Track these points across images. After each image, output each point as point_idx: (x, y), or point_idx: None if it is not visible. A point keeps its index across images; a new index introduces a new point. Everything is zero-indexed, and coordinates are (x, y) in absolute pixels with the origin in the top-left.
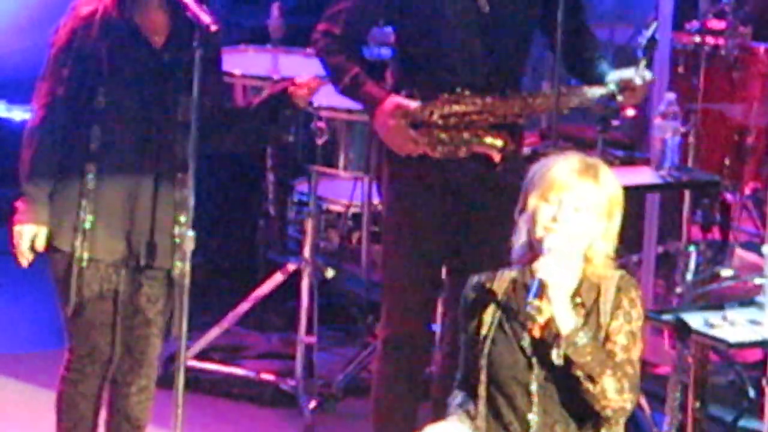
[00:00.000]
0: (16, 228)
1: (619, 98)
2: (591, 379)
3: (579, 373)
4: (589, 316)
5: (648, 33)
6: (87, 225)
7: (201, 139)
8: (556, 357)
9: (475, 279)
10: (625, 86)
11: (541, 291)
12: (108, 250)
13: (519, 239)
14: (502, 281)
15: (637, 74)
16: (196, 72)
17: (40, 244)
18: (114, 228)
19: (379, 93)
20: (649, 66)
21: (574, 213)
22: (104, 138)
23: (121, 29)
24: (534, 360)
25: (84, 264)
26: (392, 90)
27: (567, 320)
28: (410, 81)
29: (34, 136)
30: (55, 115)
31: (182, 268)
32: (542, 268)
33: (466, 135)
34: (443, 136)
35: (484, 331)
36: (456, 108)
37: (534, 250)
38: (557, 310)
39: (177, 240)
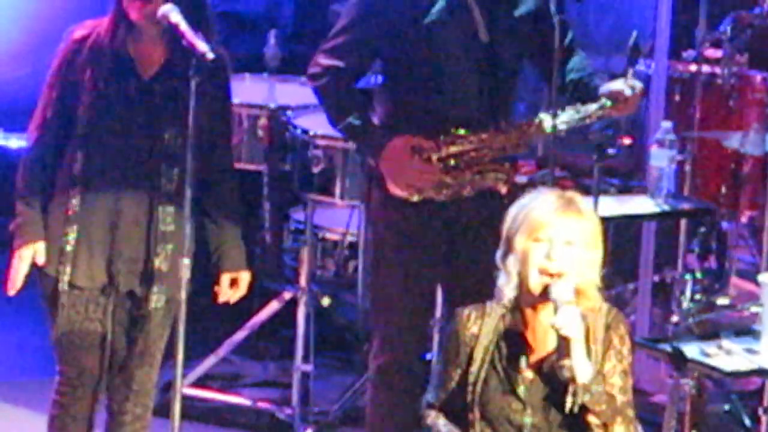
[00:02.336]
0: (17, 253)
1: (613, 112)
2: (605, 426)
3: (593, 420)
4: None
5: (630, 42)
6: (69, 249)
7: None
8: (570, 404)
9: (465, 312)
10: (616, 98)
11: (567, 348)
12: (89, 277)
13: (507, 282)
14: (492, 317)
15: (626, 84)
16: (191, 101)
17: (41, 259)
18: (95, 256)
19: (385, 135)
20: (635, 74)
21: (567, 247)
22: (87, 164)
23: (110, 58)
24: (528, 401)
25: (65, 287)
26: (381, 122)
27: (585, 369)
28: (402, 113)
29: (26, 157)
30: (44, 137)
31: (158, 300)
32: (563, 325)
33: (469, 174)
34: (446, 178)
35: (475, 368)
36: (455, 149)
37: (525, 291)
38: (576, 361)
39: (156, 273)
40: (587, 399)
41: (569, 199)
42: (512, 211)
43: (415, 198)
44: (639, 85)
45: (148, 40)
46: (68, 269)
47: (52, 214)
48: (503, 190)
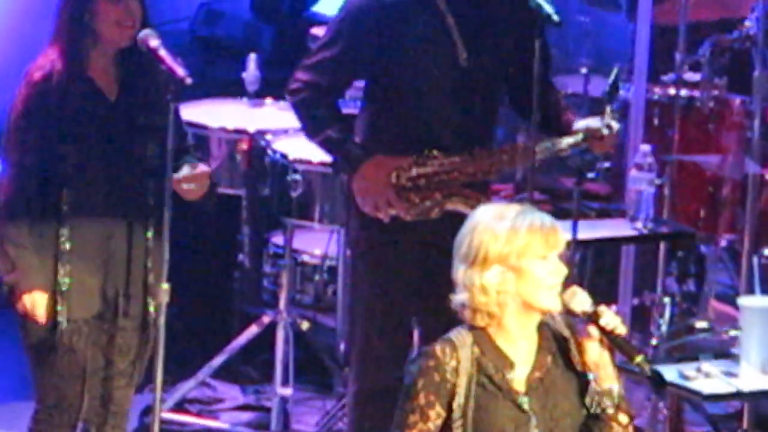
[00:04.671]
0: (26, 297)
1: (587, 146)
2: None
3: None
4: (557, 358)
5: (610, 79)
6: (64, 288)
7: None
8: (595, 408)
9: (437, 348)
10: (592, 135)
11: (628, 345)
12: (84, 308)
13: (506, 303)
14: (465, 346)
15: (603, 123)
16: (170, 125)
17: (40, 310)
18: (90, 285)
19: (363, 153)
20: (613, 112)
21: (559, 260)
22: (75, 199)
23: (78, 89)
24: (531, 412)
25: (65, 325)
26: (362, 144)
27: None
28: (380, 133)
29: (13, 208)
30: (27, 184)
31: (157, 308)
32: (615, 324)
33: (437, 196)
34: (414, 198)
35: (461, 400)
36: (425, 170)
37: (522, 308)
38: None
39: (150, 288)
40: (608, 403)
41: (533, 209)
42: (499, 232)
43: (382, 216)
44: (616, 125)
45: (105, 62)
46: (65, 309)
47: (40, 255)
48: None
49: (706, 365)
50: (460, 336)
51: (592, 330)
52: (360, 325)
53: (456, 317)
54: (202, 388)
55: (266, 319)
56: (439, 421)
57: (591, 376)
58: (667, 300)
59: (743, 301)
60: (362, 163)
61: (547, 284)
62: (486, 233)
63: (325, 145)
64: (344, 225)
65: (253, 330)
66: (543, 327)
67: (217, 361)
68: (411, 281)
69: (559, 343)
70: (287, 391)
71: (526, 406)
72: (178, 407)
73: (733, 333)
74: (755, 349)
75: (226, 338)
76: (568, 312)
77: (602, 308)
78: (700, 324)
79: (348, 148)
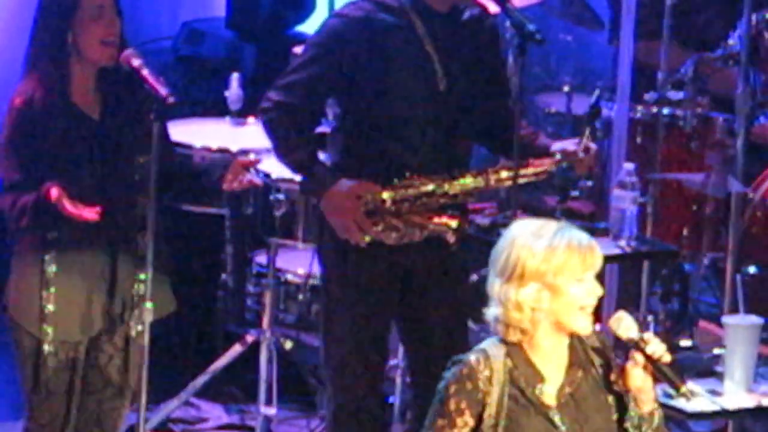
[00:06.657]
0: (53, 193)
1: (570, 165)
2: None
3: None
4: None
5: (592, 100)
6: (50, 310)
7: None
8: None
9: (472, 358)
10: (569, 157)
11: (676, 373)
12: (80, 330)
13: (538, 320)
14: (497, 358)
15: (581, 146)
16: (154, 145)
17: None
18: (85, 306)
19: (331, 176)
20: (593, 134)
21: (594, 281)
22: (60, 223)
23: (60, 112)
24: (564, 428)
25: (51, 349)
26: (334, 166)
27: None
28: (355, 157)
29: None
30: (20, 189)
31: (140, 330)
32: (662, 352)
33: (418, 219)
34: (396, 222)
35: (492, 411)
36: (408, 192)
37: (553, 326)
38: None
39: (135, 298)
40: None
41: (570, 228)
42: (537, 249)
43: (358, 240)
44: (593, 147)
45: (86, 81)
46: (50, 330)
47: (26, 277)
48: (451, 239)
49: (690, 384)
50: (494, 347)
51: (638, 357)
52: (334, 344)
53: (434, 331)
54: (186, 407)
55: (250, 339)
56: (465, 430)
57: (630, 399)
58: (650, 319)
59: (727, 319)
60: (328, 188)
61: (582, 305)
62: (524, 249)
63: (294, 166)
64: (317, 243)
65: (236, 349)
66: (574, 341)
67: (201, 380)
68: (383, 301)
69: (590, 359)
70: (271, 411)
71: (558, 421)
72: (162, 427)
73: (717, 351)
74: (739, 368)
75: (209, 357)
76: (614, 338)
77: (648, 335)
78: (684, 342)
79: (315, 171)
